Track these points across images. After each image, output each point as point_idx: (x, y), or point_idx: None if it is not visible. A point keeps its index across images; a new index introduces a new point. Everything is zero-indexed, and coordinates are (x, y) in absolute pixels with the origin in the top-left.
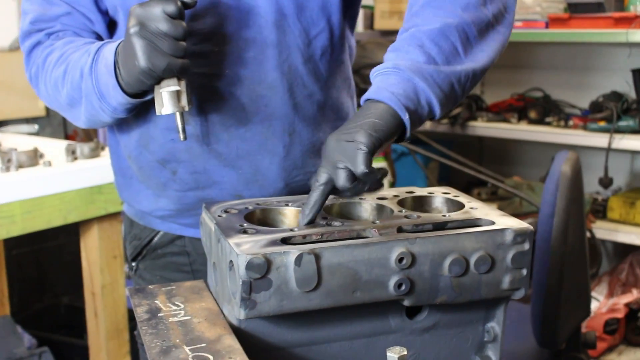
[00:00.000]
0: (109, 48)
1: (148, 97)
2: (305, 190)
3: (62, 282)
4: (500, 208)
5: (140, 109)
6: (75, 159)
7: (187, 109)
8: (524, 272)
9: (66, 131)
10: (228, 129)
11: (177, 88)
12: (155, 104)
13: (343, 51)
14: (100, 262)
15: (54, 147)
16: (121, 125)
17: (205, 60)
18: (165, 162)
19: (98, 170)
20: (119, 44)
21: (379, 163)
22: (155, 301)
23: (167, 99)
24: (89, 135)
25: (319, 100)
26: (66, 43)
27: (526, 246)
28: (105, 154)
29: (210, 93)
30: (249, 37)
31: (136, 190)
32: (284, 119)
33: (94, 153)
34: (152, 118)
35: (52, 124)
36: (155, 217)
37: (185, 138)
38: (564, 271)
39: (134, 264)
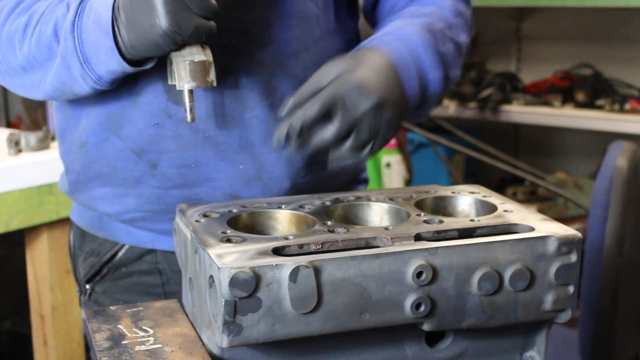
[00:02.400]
0: (101, 0)
1: (148, 66)
2: (312, 192)
3: (3, 302)
4: (541, 211)
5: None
6: (20, 151)
7: (215, 83)
8: (571, 289)
9: (8, 117)
10: (231, 113)
11: (204, 58)
12: (176, 76)
13: (349, 34)
14: (50, 278)
15: None
16: (81, 102)
17: None
18: (143, 152)
19: (48, 165)
20: None
21: (392, 156)
22: (118, 326)
23: (192, 70)
24: (36, 122)
25: None
26: None
27: (573, 258)
28: (57, 146)
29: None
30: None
31: (90, 188)
32: None
33: (43, 144)
34: (131, 96)
35: None
36: (121, 223)
37: (193, 119)
38: (619, 288)
39: (88, 286)
